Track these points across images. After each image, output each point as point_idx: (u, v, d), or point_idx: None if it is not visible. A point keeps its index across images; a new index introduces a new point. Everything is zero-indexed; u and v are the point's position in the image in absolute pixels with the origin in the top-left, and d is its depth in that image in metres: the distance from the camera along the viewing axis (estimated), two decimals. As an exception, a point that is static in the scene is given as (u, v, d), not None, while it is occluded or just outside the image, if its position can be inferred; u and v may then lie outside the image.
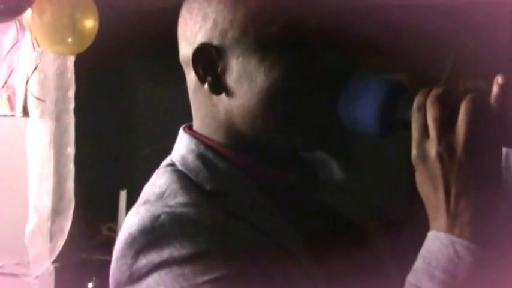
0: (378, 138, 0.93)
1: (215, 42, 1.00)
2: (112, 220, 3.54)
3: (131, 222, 0.93)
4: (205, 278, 0.87)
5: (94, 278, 3.37)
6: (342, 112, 0.96)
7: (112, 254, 0.97)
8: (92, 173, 3.58)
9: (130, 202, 1.26)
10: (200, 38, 1.02)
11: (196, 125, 1.08)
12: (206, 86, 1.02)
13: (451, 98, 0.86)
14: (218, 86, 1.02)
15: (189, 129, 1.09)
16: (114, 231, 3.54)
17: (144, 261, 0.89)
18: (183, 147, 1.06)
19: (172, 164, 1.05)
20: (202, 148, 1.04)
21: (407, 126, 0.89)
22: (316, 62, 0.99)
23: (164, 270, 0.88)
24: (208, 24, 1.01)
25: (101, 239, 3.61)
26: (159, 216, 0.91)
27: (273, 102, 0.98)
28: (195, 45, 1.02)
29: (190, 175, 1.01)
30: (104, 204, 3.51)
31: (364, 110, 0.92)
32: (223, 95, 1.02)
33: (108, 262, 0.97)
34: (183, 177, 1.00)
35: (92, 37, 2.99)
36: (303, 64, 0.99)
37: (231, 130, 1.03)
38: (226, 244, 0.90)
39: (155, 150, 1.62)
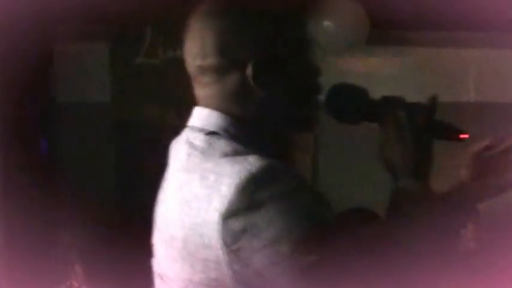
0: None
1: None
2: None
3: (239, 167, 1.25)
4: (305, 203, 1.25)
5: None
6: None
7: None
8: None
9: None
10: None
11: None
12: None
13: None
14: None
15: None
16: None
17: (264, 193, 1.22)
18: (217, 121, 1.35)
19: (215, 132, 1.34)
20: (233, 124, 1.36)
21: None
22: None
23: (281, 199, 1.23)
24: None
25: None
26: (262, 163, 1.24)
27: None
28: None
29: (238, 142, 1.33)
30: None
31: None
32: None
33: None
34: (235, 143, 1.32)
35: None
36: None
37: None
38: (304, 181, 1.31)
39: None
